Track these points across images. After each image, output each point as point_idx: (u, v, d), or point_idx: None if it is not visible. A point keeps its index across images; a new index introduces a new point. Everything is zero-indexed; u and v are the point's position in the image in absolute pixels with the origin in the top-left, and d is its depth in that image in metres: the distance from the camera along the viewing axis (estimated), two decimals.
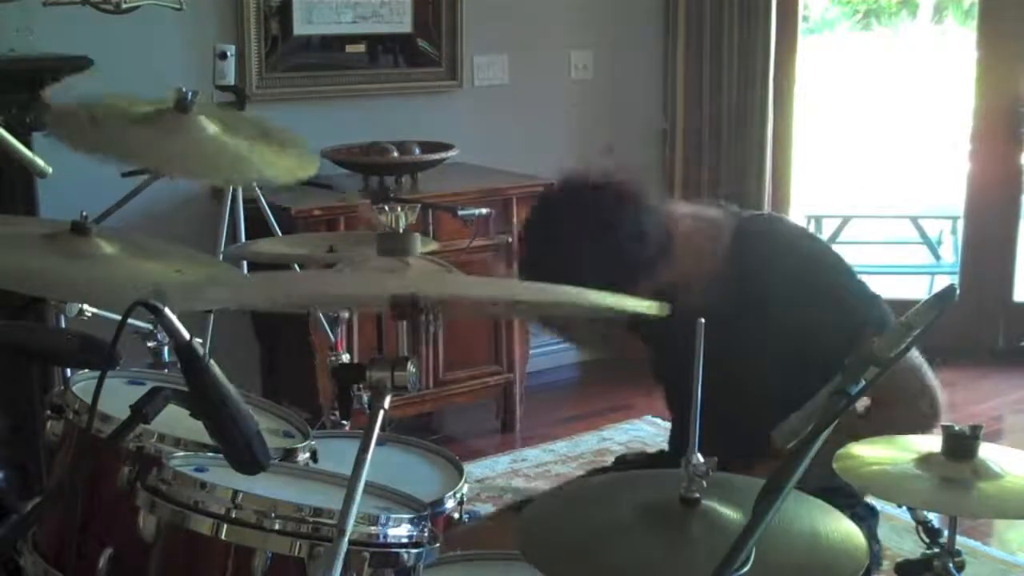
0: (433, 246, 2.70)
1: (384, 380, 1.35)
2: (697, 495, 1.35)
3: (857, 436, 1.69)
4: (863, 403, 1.92)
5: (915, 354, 1.90)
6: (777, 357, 1.97)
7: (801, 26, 4.93)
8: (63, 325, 2.04)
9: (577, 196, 1.98)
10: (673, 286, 1.95)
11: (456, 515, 1.91)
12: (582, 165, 2.05)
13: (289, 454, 1.83)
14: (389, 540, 1.54)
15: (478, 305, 1.56)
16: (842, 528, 1.38)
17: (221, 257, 3.05)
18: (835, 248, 2.15)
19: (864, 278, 2.05)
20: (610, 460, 2.65)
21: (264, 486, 1.55)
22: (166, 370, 2.06)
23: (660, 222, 1.96)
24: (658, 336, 2.08)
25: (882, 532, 2.20)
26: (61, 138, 1.97)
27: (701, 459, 1.34)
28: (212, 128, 1.90)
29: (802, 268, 2.00)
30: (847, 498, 1.61)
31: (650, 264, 1.93)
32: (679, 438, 2.32)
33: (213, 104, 3.20)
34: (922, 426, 1.88)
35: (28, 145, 2.49)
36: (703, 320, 1.34)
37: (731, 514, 1.34)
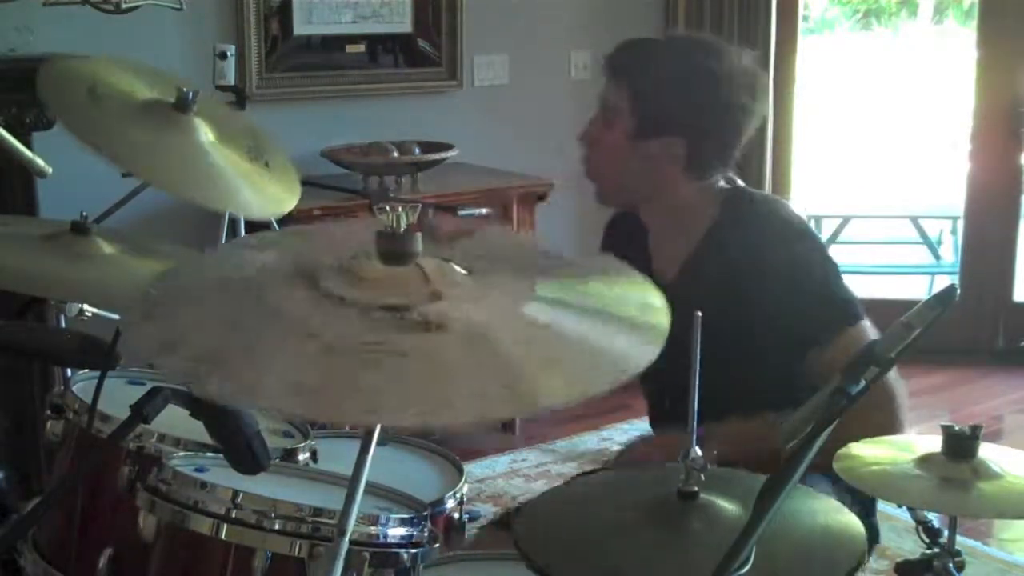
0: None
1: None
2: (695, 489, 1.35)
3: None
4: None
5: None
6: (751, 345, 1.97)
7: (801, 26, 4.93)
8: (63, 325, 2.04)
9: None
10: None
11: (456, 515, 1.91)
12: None
13: (289, 454, 1.83)
14: (389, 540, 1.54)
15: None
16: (841, 519, 1.39)
17: None
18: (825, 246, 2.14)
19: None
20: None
21: (264, 486, 1.55)
22: None
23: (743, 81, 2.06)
24: None
25: (881, 531, 2.19)
26: (56, 106, 1.94)
27: (699, 453, 1.34)
28: (208, 136, 1.89)
29: (792, 268, 1.99)
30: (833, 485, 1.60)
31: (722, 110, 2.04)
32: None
33: (214, 101, 3.19)
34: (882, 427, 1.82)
35: (28, 145, 2.49)
36: (700, 313, 1.34)
37: (729, 508, 1.34)
